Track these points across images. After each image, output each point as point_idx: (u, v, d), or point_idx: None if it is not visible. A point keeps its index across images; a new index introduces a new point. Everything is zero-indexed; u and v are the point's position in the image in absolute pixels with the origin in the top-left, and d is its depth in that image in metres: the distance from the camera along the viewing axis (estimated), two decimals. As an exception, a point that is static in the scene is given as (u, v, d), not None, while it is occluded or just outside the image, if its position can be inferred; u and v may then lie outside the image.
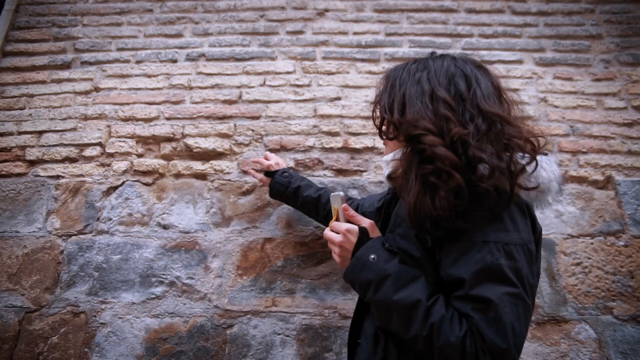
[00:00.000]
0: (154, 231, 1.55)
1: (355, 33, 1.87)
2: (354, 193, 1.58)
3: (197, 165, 1.64)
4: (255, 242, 1.53)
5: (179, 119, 1.72)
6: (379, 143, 1.65)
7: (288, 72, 1.80)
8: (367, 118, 1.69)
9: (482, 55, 1.81)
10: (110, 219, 1.57)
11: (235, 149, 1.66)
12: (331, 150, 1.65)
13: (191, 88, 1.78)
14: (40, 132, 1.70)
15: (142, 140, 1.68)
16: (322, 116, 1.71)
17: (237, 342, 1.39)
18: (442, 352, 0.65)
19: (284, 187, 1.37)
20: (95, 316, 1.43)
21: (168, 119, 1.72)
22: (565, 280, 1.46)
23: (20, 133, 1.70)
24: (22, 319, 1.43)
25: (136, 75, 1.81)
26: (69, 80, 1.80)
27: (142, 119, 1.72)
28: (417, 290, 0.71)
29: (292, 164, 1.63)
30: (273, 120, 1.71)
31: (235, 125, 1.70)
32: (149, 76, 1.80)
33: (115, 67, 1.82)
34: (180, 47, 1.86)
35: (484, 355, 0.63)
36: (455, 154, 0.71)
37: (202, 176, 1.63)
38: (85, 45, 1.87)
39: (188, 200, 1.60)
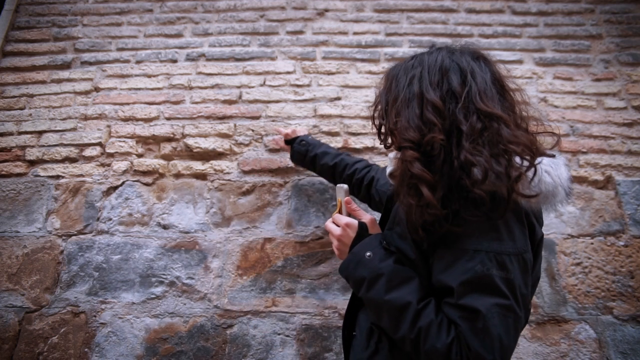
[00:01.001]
0: (154, 231, 1.55)
1: (355, 33, 1.87)
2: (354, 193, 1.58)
3: (197, 165, 1.64)
4: (255, 242, 1.53)
5: (179, 119, 1.72)
6: (379, 143, 1.65)
7: (288, 72, 1.80)
8: (367, 118, 1.69)
9: (482, 55, 1.81)
10: (110, 219, 1.57)
11: (235, 149, 1.66)
12: (331, 150, 1.65)
13: (191, 88, 1.78)
14: (40, 132, 1.70)
15: (142, 140, 1.68)
16: (322, 116, 1.71)
17: (237, 342, 1.39)
18: (428, 357, 0.65)
19: (302, 156, 1.42)
20: (95, 316, 1.43)
21: (168, 119, 1.72)
22: (565, 280, 1.46)
23: (20, 133, 1.70)
24: (22, 319, 1.43)
25: (136, 75, 1.81)
26: (69, 80, 1.80)
27: (142, 119, 1.72)
28: (409, 292, 0.71)
29: (292, 164, 1.63)
30: (273, 120, 1.71)
31: (235, 125, 1.70)
32: (149, 76, 1.80)
33: (115, 67, 1.82)
34: (180, 47, 1.86)
35: None
36: (446, 158, 0.69)
37: (202, 176, 1.63)
38: (85, 45, 1.87)
39: (188, 200, 1.60)
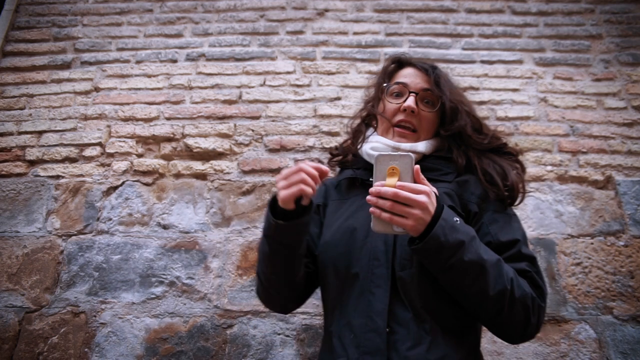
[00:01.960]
0: (154, 231, 1.55)
1: (355, 33, 1.87)
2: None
3: (197, 165, 1.64)
4: (255, 242, 1.53)
5: (179, 119, 1.72)
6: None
7: (288, 72, 1.80)
8: (367, 118, 1.69)
9: (482, 55, 1.82)
10: (110, 219, 1.57)
11: (235, 149, 1.66)
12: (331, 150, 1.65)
13: (191, 88, 1.78)
14: (40, 132, 1.70)
15: (142, 140, 1.68)
16: (322, 116, 1.71)
17: (237, 342, 1.39)
18: (522, 302, 0.75)
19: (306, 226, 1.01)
20: (95, 316, 1.43)
21: (168, 119, 1.72)
22: (565, 280, 1.46)
23: (20, 133, 1.70)
24: (22, 319, 1.43)
25: (136, 75, 1.81)
26: (69, 80, 1.80)
27: (142, 119, 1.72)
28: (490, 249, 0.79)
29: (292, 164, 1.63)
30: (273, 120, 1.71)
31: (235, 125, 1.70)
32: (149, 76, 1.80)
33: (115, 67, 1.82)
34: (180, 47, 1.86)
35: (540, 299, 0.79)
36: None
37: (202, 176, 1.63)
38: (85, 45, 1.87)
39: (188, 200, 1.60)
